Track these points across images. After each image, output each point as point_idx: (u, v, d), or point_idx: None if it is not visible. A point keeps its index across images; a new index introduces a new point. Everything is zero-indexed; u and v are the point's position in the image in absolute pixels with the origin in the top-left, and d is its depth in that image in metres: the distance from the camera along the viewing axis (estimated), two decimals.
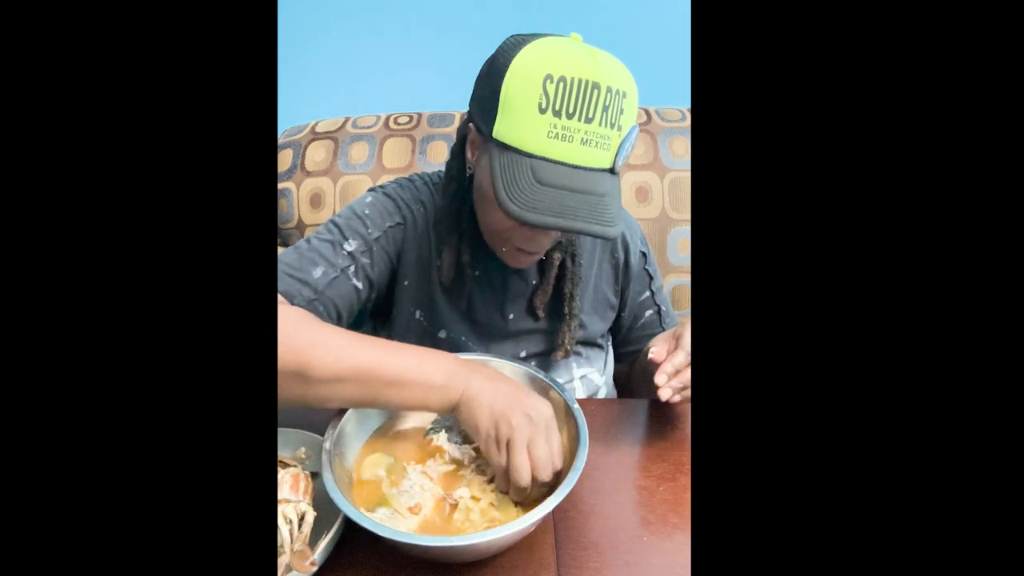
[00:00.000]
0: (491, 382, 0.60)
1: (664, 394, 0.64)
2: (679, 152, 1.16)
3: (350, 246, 0.76)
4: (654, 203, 1.15)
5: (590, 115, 0.61)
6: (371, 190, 0.82)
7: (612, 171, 0.65)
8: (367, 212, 0.78)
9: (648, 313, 0.91)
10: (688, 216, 1.15)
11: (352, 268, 0.75)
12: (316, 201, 1.16)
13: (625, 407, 0.80)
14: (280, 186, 1.17)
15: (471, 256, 0.79)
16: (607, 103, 0.62)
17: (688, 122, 1.20)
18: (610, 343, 0.94)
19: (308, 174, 1.17)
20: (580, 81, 0.61)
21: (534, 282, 0.83)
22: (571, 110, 0.61)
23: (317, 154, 1.18)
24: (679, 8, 1.37)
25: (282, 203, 1.17)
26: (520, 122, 0.62)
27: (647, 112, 1.21)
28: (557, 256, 0.80)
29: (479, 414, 0.59)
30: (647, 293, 0.90)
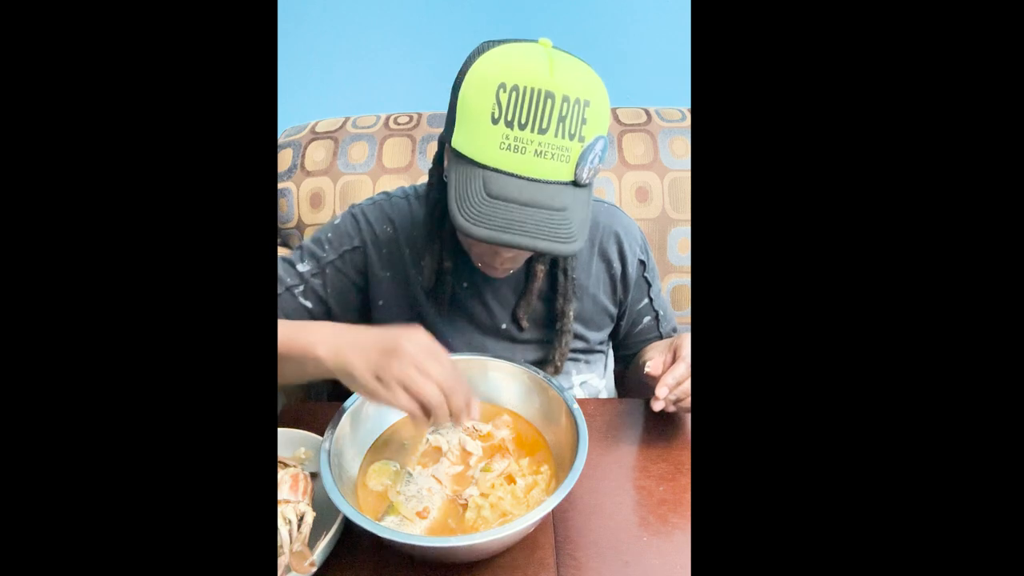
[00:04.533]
0: (358, 340, 0.59)
1: (657, 405, 0.64)
2: (679, 152, 1.16)
3: (303, 267, 0.80)
4: (654, 203, 1.15)
5: (544, 126, 0.60)
6: (350, 208, 0.85)
7: (576, 184, 0.63)
8: (329, 235, 0.82)
9: (646, 319, 0.90)
10: (688, 216, 1.15)
11: (300, 288, 0.80)
12: (316, 201, 1.16)
13: (625, 407, 0.80)
14: (280, 186, 1.17)
15: (457, 265, 0.79)
16: (564, 113, 0.60)
17: (688, 122, 1.20)
18: (610, 347, 0.94)
19: (308, 174, 1.16)
20: (533, 91, 0.59)
21: (516, 298, 0.83)
22: (523, 121, 0.59)
23: (317, 154, 1.17)
24: (679, 8, 1.37)
25: (282, 203, 1.17)
26: (474, 133, 0.62)
27: (647, 112, 1.21)
28: (540, 268, 0.79)
29: (360, 382, 0.57)
30: (645, 300, 0.89)
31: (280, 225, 1.18)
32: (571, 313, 0.80)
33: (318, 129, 1.21)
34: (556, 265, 0.80)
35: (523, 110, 0.59)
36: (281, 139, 1.23)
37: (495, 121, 0.60)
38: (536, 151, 0.60)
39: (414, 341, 0.57)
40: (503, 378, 0.72)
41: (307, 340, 0.62)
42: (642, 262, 0.87)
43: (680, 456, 0.70)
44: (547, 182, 0.61)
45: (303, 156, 1.18)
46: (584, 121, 0.61)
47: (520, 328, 0.83)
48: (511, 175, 0.61)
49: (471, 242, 0.72)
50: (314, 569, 0.55)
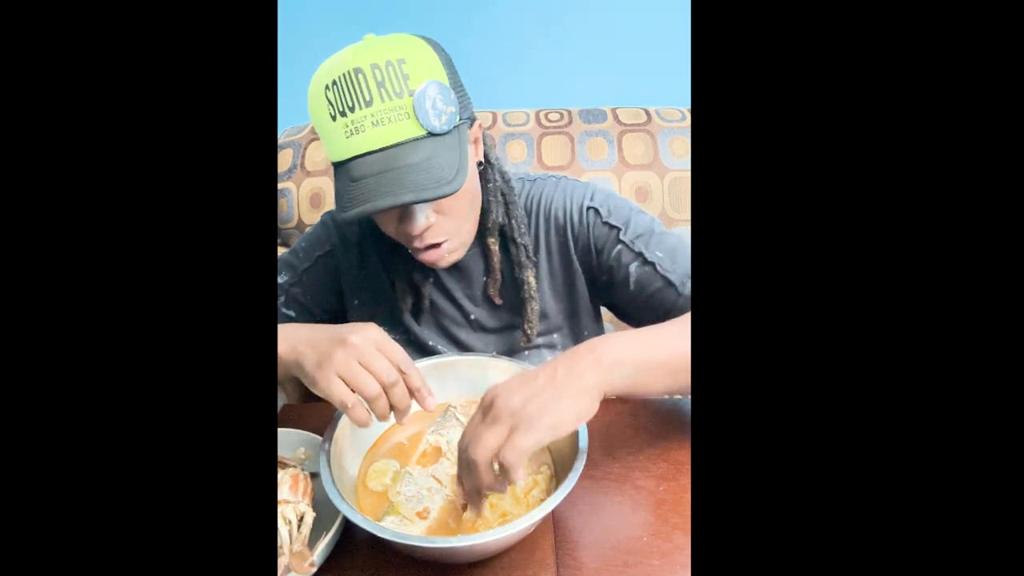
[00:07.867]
0: (313, 336, 0.61)
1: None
2: (679, 152, 1.16)
3: (282, 279, 0.84)
4: (654, 203, 1.15)
5: (368, 98, 0.63)
6: (322, 215, 0.88)
7: (433, 134, 0.64)
8: (303, 245, 0.86)
9: (633, 267, 0.76)
10: (688, 216, 1.15)
11: (281, 299, 0.84)
12: (316, 201, 1.16)
13: (625, 407, 0.80)
14: (280, 186, 1.17)
15: (423, 267, 0.81)
16: (379, 79, 0.63)
17: (688, 122, 1.20)
18: (598, 325, 0.89)
19: (308, 174, 1.16)
20: (345, 75, 0.63)
21: (484, 278, 0.83)
22: (351, 104, 0.63)
23: (317, 154, 1.17)
24: (678, 7, 1.37)
25: (282, 203, 1.17)
26: (327, 139, 0.66)
27: (647, 112, 1.21)
28: (492, 242, 0.79)
29: (305, 371, 0.59)
30: (617, 247, 0.77)
31: (280, 225, 1.19)
32: (531, 280, 0.80)
33: None
34: (505, 236, 0.80)
35: (346, 95, 0.63)
36: (281, 139, 1.23)
37: (334, 119, 0.64)
38: (373, 123, 0.63)
39: (361, 334, 0.58)
40: (503, 378, 0.72)
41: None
42: (594, 210, 0.79)
43: (680, 456, 0.70)
44: (398, 144, 0.64)
45: (303, 156, 1.18)
46: (406, 76, 0.63)
47: (494, 306, 0.83)
48: (363, 155, 0.64)
49: (393, 234, 0.73)
50: (314, 569, 0.55)
